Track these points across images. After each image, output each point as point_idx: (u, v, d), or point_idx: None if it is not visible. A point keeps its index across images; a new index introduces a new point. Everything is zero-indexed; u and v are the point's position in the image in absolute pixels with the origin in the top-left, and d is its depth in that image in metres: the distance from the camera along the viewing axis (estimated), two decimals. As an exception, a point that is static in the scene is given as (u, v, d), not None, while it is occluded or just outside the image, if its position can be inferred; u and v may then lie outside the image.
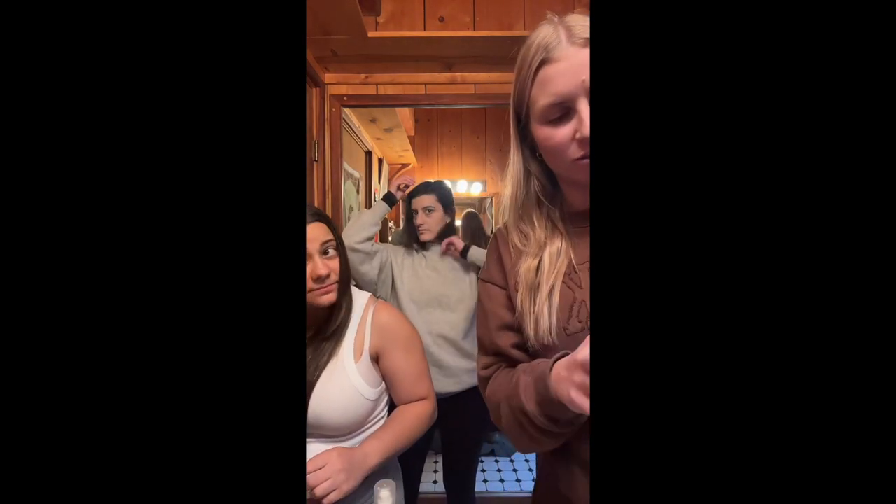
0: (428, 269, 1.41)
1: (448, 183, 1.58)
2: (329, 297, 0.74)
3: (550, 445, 0.53)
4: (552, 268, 0.55)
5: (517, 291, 0.57)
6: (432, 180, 1.48)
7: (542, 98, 0.51)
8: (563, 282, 0.55)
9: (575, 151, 0.50)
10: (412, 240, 1.44)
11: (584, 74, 0.48)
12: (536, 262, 0.57)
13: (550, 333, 0.53)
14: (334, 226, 0.77)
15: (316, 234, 0.72)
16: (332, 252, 0.74)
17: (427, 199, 1.41)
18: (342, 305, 0.77)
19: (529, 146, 0.58)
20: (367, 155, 2.84)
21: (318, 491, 0.64)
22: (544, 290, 0.55)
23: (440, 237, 1.43)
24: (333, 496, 0.64)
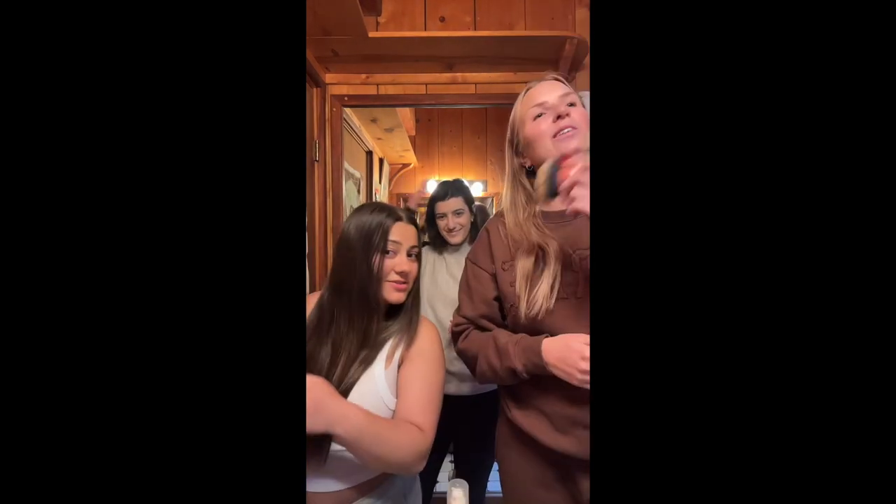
0: (446, 275, 1.39)
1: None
2: (399, 296, 0.76)
3: (509, 382, 0.76)
4: (553, 265, 0.71)
5: (512, 286, 0.75)
6: (450, 179, 1.46)
7: (528, 106, 0.77)
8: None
9: (552, 130, 0.72)
10: (435, 244, 1.42)
11: (555, 90, 0.75)
12: (532, 259, 0.74)
13: (540, 313, 0.70)
14: (421, 234, 0.82)
15: (409, 235, 0.78)
16: (414, 256, 0.79)
17: (456, 202, 1.39)
18: (408, 307, 0.79)
19: (520, 161, 0.80)
20: (368, 155, 2.83)
21: None
22: (546, 282, 0.71)
23: (470, 237, 1.41)
24: None
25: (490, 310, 0.80)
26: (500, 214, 0.84)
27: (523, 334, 0.74)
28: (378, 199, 3.05)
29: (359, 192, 2.60)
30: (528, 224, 0.76)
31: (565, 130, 0.72)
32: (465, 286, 0.84)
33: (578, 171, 0.60)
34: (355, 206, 2.48)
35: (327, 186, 1.56)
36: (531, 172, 0.79)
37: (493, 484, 2.12)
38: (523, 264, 0.74)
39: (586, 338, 0.65)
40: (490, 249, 0.81)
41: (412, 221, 0.80)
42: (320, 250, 1.54)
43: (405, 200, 3.40)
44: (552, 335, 0.70)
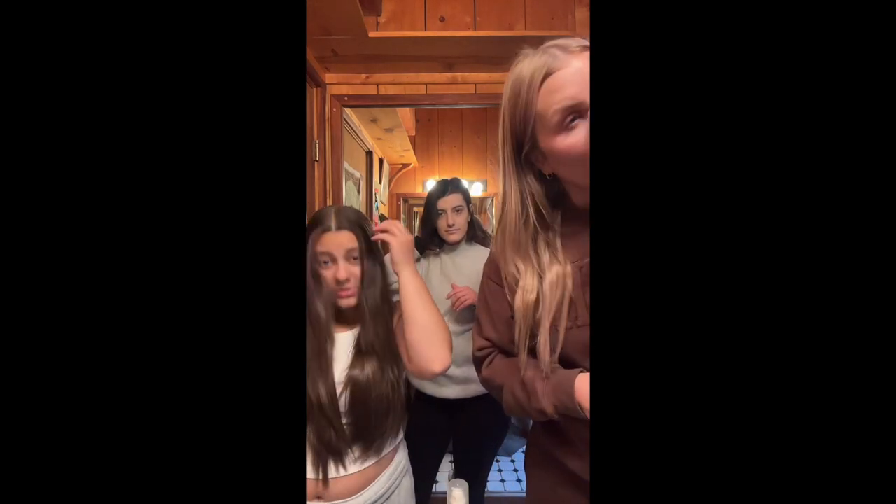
0: (440, 275, 1.39)
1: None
2: (349, 301, 0.80)
3: (539, 419, 0.62)
4: (553, 299, 0.57)
5: (512, 311, 0.62)
6: (449, 178, 1.46)
7: (555, 105, 0.51)
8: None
9: None
10: (433, 242, 1.42)
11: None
12: (534, 297, 0.58)
13: (553, 355, 0.57)
14: (365, 233, 0.81)
15: (342, 241, 0.78)
16: (355, 259, 0.80)
17: (455, 199, 1.39)
18: (363, 309, 0.80)
19: (534, 171, 0.59)
20: (368, 155, 2.83)
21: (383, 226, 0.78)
22: (546, 323, 0.57)
23: (467, 236, 1.42)
24: (383, 236, 0.78)
25: (511, 332, 0.64)
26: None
27: (555, 366, 0.59)
28: (378, 200, 3.05)
29: (359, 192, 2.60)
30: (533, 249, 0.59)
31: None
32: (484, 304, 0.70)
33: None
34: (355, 206, 2.48)
35: (327, 186, 1.56)
36: (548, 180, 0.59)
37: (494, 484, 2.12)
38: (525, 305, 0.59)
39: None
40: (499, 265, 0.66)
41: (344, 225, 0.79)
42: (320, 250, 1.54)
43: (405, 201, 3.40)
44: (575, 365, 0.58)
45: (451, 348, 0.76)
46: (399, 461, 0.86)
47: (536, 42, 0.55)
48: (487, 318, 0.69)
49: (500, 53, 1.36)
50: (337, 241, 0.78)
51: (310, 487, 0.75)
